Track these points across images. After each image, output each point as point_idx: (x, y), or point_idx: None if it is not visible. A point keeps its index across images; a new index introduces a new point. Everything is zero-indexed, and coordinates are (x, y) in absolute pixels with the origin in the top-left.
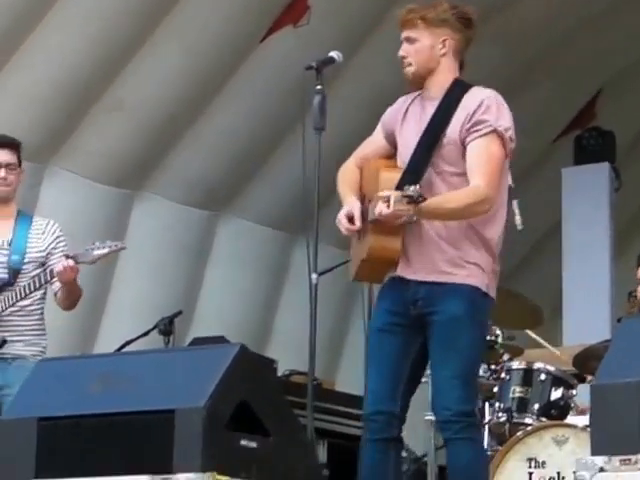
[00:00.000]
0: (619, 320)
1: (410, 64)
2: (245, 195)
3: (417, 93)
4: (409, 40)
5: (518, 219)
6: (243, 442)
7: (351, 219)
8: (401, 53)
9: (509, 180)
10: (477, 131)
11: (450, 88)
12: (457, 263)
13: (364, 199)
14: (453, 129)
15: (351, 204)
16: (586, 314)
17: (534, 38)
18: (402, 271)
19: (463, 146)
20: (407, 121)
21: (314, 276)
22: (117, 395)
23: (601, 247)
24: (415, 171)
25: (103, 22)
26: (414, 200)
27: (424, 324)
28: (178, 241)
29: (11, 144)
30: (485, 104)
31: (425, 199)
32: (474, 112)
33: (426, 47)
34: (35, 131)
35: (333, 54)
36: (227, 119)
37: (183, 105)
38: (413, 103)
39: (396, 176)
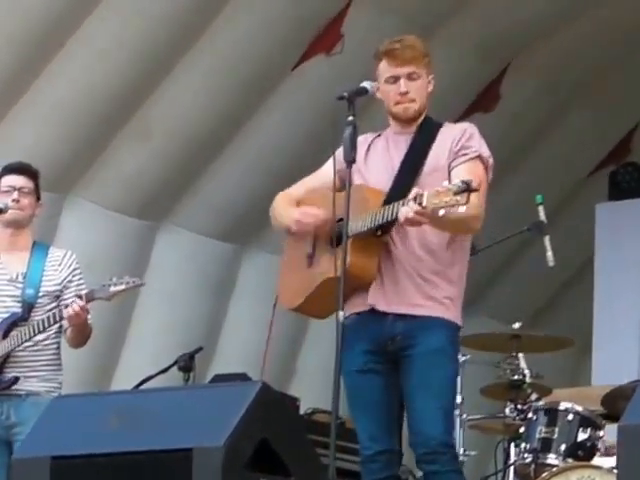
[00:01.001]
0: None
1: (414, 100)
2: (271, 228)
3: (377, 133)
4: (412, 76)
5: (550, 255)
6: None
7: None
8: (404, 89)
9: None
10: (464, 155)
11: (422, 123)
12: (432, 296)
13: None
14: (437, 157)
15: (300, 210)
16: (616, 354)
17: (570, 70)
18: (375, 301)
19: (448, 172)
20: (371, 157)
21: (341, 314)
22: (134, 433)
23: (634, 286)
24: (399, 194)
25: (127, 50)
26: (461, 190)
27: (400, 357)
28: (201, 274)
29: (27, 170)
30: (469, 132)
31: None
32: (460, 139)
33: (425, 84)
34: (55, 160)
35: (366, 84)
36: (255, 150)
37: (209, 135)
38: (377, 140)
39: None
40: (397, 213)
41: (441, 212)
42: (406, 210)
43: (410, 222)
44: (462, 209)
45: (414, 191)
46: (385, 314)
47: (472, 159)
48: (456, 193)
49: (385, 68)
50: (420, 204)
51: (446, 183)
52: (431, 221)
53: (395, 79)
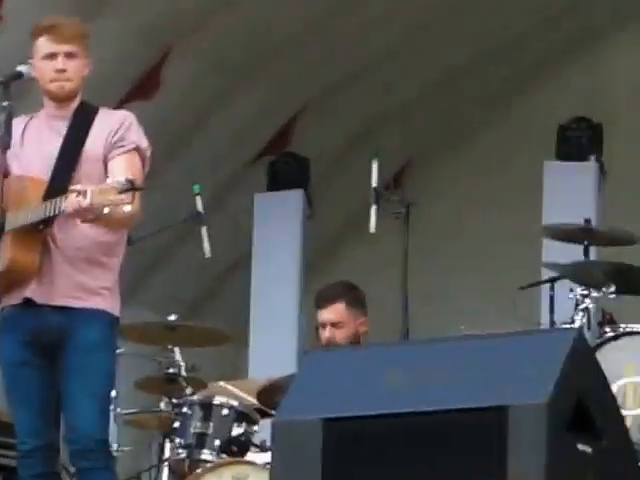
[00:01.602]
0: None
1: (70, 80)
2: None
3: (30, 115)
4: (71, 55)
5: (206, 246)
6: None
7: None
8: (62, 66)
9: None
10: (122, 147)
11: (79, 108)
12: (90, 288)
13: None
14: (94, 145)
15: None
16: (273, 346)
17: (233, 55)
18: (32, 293)
19: (105, 163)
20: (27, 142)
21: None
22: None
23: (291, 277)
24: (60, 185)
25: None
26: (126, 189)
27: (57, 350)
28: None
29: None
30: (127, 122)
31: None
32: (117, 130)
33: (83, 65)
34: None
35: (21, 68)
36: None
37: None
38: (31, 122)
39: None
40: (60, 208)
41: (106, 210)
42: (71, 205)
43: (75, 217)
44: (127, 208)
45: (78, 186)
46: (41, 306)
47: (129, 151)
48: (120, 192)
49: (44, 44)
50: (87, 197)
51: (110, 180)
52: (95, 217)
53: (53, 56)
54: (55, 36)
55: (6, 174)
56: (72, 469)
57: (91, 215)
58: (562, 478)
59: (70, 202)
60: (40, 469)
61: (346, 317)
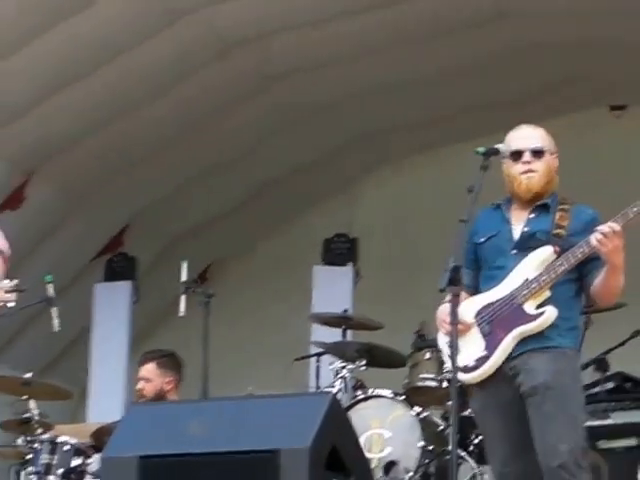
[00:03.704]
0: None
1: None
2: None
3: None
4: None
5: (55, 322)
6: None
7: None
8: None
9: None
10: None
11: None
12: None
13: None
14: None
15: None
16: (106, 399)
17: (85, 178)
18: None
19: None
20: None
21: None
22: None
23: (121, 347)
24: None
25: None
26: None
27: None
28: None
29: None
30: None
31: None
32: None
33: None
34: None
35: None
36: None
37: None
38: None
39: None
40: None
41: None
42: None
43: None
44: (12, 304)
45: None
46: None
47: None
48: (7, 291)
49: None
50: None
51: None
52: None
53: None
54: None
55: None
56: None
57: None
58: None
59: None
60: None
61: (155, 376)
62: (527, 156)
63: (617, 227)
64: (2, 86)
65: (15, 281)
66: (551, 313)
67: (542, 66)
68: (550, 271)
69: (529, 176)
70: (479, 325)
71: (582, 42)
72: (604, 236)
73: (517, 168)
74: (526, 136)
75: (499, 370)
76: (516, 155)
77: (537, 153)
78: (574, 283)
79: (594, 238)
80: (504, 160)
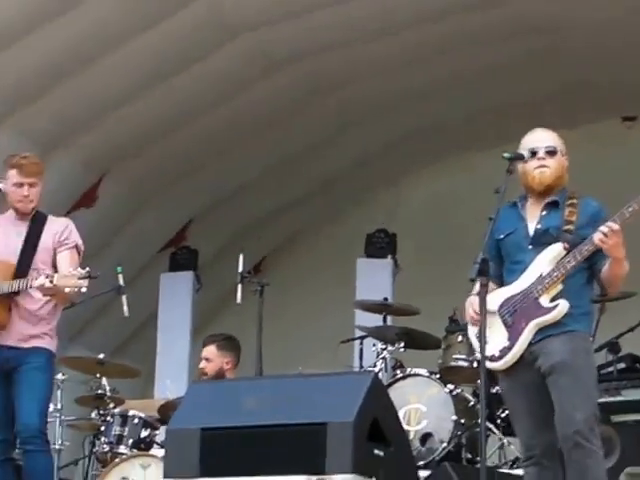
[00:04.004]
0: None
1: (32, 201)
2: None
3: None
4: (33, 185)
5: (125, 309)
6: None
7: None
8: (27, 193)
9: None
10: (66, 244)
11: (34, 215)
12: (34, 334)
13: None
14: (46, 241)
15: None
16: (171, 377)
17: (152, 179)
18: (0, 339)
19: (54, 253)
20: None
21: None
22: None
23: (184, 330)
24: (25, 267)
25: None
26: (84, 277)
27: (13, 375)
28: None
29: None
30: (69, 227)
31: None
32: (62, 232)
33: (39, 190)
34: None
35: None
36: None
37: None
38: (4, 223)
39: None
40: (27, 285)
41: (67, 290)
42: (40, 284)
43: (41, 292)
44: (84, 289)
45: (48, 272)
46: (2, 345)
47: (70, 248)
48: (80, 278)
49: (14, 175)
50: (51, 282)
51: (72, 269)
52: (54, 293)
53: (21, 185)
54: (22, 171)
55: None
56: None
57: (52, 292)
58: (363, 472)
59: (39, 282)
60: (1, 456)
61: (215, 357)
62: (541, 154)
63: (615, 226)
64: (86, 90)
65: (87, 269)
66: (563, 306)
67: (559, 75)
68: (560, 267)
69: (542, 171)
70: (502, 317)
71: (597, 53)
72: (604, 235)
73: (532, 164)
74: (540, 137)
75: (521, 356)
76: (532, 154)
77: (550, 152)
78: (585, 272)
79: (596, 237)
80: (524, 162)
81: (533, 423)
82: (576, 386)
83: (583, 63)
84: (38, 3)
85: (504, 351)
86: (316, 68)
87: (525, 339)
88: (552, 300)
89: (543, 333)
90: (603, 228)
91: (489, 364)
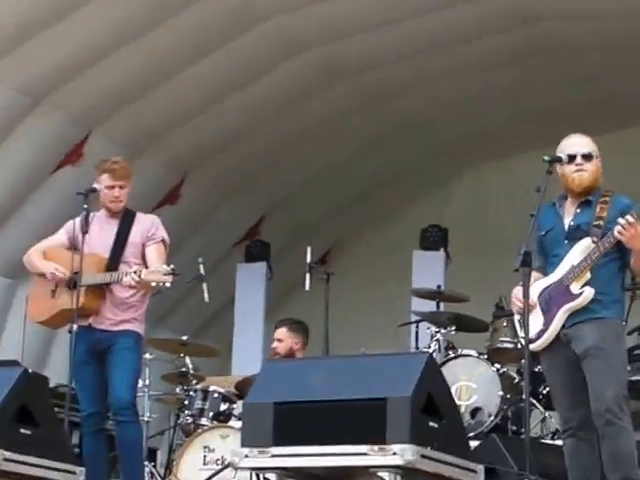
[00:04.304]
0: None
1: (121, 201)
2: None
3: (93, 213)
4: (122, 187)
5: (206, 295)
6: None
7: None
8: (117, 194)
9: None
10: (153, 239)
11: (124, 212)
12: (125, 319)
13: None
14: (135, 237)
15: (54, 265)
16: (246, 356)
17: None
18: (92, 321)
19: (143, 247)
20: (93, 231)
21: (75, 326)
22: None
23: (257, 315)
24: (116, 260)
25: None
26: (169, 273)
27: (106, 354)
28: None
29: None
30: (156, 223)
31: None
32: (150, 228)
33: (126, 192)
34: None
35: (96, 186)
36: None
37: None
38: (93, 219)
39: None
40: (119, 279)
41: (153, 284)
42: (129, 279)
43: (129, 285)
44: (168, 284)
45: (135, 267)
46: (96, 328)
47: (158, 242)
48: (165, 274)
49: (106, 179)
50: (139, 277)
51: (158, 266)
52: (143, 287)
53: (112, 187)
54: (114, 175)
55: (77, 248)
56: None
57: (140, 285)
58: (419, 442)
59: (128, 278)
60: (95, 427)
61: (286, 338)
62: (579, 159)
63: (631, 219)
64: (168, 101)
65: (171, 266)
66: (589, 293)
67: (594, 87)
68: (587, 258)
69: (580, 174)
70: (540, 304)
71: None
72: (622, 228)
73: (571, 168)
74: (578, 143)
75: (556, 338)
76: (570, 158)
77: (586, 157)
78: (616, 262)
79: (615, 230)
80: (561, 164)
81: (569, 398)
82: (606, 369)
83: (616, 77)
84: (125, 24)
85: (540, 334)
86: (377, 79)
87: (558, 323)
88: (581, 287)
89: (575, 319)
90: (620, 220)
91: (530, 346)
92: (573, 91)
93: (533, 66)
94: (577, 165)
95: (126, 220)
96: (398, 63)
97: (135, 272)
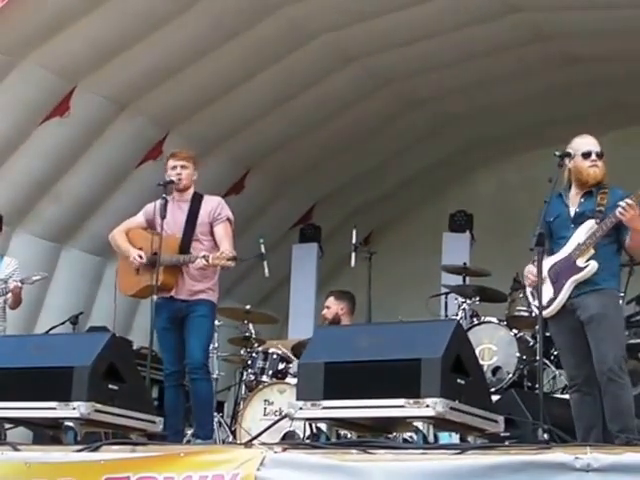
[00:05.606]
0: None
1: (181, 180)
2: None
3: (165, 199)
4: (185, 167)
5: (267, 271)
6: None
7: (140, 257)
8: (179, 171)
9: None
10: (220, 219)
11: (193, 195)
12: (200, 290)
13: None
14: (203, 217)
15: (136, 251)
16: (301, 323)
17: (285, 175)
18: (175, 293)
19: (211, 225)
20: (168, 212)
21: (155, 297)
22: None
23: (310, 287)
24: (188, 239)
25: None
26: (233, 258)
27: (184, 320)
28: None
29: None
30: (221, 204)
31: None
32: (216, 208)
33: (191, 173)
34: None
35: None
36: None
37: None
38: (169, 203)
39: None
40: (190, 261)
41: (219, 267)
42: (199, 263)
43: (200, 268)
44: (232, 266)
45: (203, 254)
46: (176, 299)
47: (224, 221)
48: (229, 259)
49: (170, 162)
50: (207, 261)
51: (224, 249)
52: (209, 268)
53: (175, 167)
54: (175, 157)
55: (153, 228)
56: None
57: (208, 267)
58: (449, 396)
59: (198, 262)
60: (174, 383)
61: (333, 305)
62: (594, 156)
63: (630, 202)
64: (233, 106)
65: (235, 253)
66: (593, 266)
67: (597, 93)
68: (592, 236)
69: (595, 170)
70: (550, 277)
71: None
72: (623, 209)
73: (586, 163)
74: (592, 142)
75: (564, 306)
76: (586, 154)
77: (599, 155)
78: (614, 244)
79: (617, 211)
80: (571, 159)
81: (575, 359)
82: (607, 333)
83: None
84: (202, 39)
85: (550, 302)
86: (412, 86)
87: (566, 292)
88: (586, 262)
89: (580, 289)
90: (621, 203)
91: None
92: (581, 99)
93: (551, 78)
94: (592, 161)
95: (195, 202)
96: (435, 72)
97: (204, 257)
